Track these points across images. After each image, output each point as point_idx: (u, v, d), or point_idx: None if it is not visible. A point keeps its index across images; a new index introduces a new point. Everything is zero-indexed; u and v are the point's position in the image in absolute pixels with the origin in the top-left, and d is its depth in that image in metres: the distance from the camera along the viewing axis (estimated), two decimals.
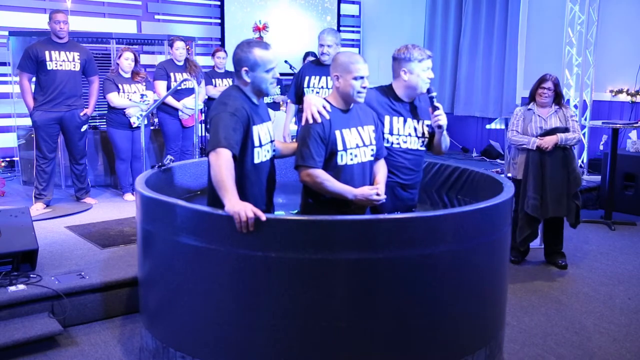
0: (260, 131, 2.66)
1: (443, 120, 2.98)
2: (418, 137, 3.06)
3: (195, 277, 2.42)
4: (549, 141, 4.21)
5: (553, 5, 7.49)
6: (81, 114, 5.32)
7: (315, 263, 2.25)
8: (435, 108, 2.98)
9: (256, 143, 2.64)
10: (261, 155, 2.68)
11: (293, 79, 5.13)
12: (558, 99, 4.37)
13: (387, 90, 3.05)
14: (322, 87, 4.61)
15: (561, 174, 4.24)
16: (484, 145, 8.43)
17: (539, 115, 4.34)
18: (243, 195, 2.44)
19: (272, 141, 2.80)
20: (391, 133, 3.00)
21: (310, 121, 2.69)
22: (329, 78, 4.53)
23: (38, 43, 5.17)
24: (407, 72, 2.95)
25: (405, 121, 3.03)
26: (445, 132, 3.07)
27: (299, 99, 4.76)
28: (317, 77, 4.64)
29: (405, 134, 3.03)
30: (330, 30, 4.64)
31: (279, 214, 3.26)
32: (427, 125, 3.08)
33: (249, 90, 2.66)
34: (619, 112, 6.98)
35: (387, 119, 2.99)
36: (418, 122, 3.05)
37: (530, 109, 4.41)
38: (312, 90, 4.62)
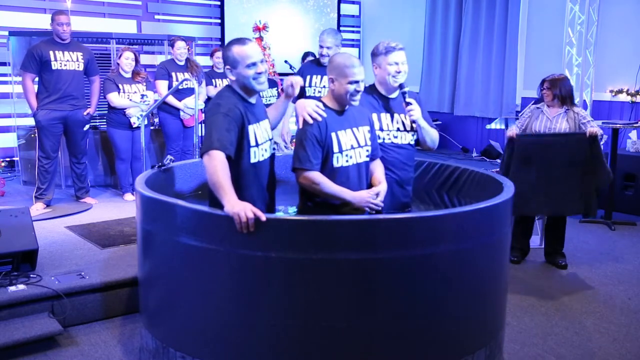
0: (256, 130, 2.65)
1: (416, 114, 2.99)
2: (407, 131, 3.08)
3: (195, 277, 2.42)
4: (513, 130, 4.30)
5: (553, 5, 7.49)
6: (84, 113, 5.33)
7: (315, 263, 2.25)
8: (407, 104, 3.00)
9: (252, 143, 2.62)
10: (258, 154, 2.67)
11: None
12: (563, 100, 4.34)
13: (371, 89, 3.08)
14: (324, 87, 4.56)
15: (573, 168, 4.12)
16: (484, 145, 8.43)
17: (546, 115, 4.35)
18: (241, 196, 2.43)
19: (270, 139, 2.79)
20: (381, 129, 3.02)
21: (310, 120, 2.69)
22: None
23: (42, 43, 5.17)
24: (377, 67, 3.00)
25: (392, 116, 3.06)
26: (426, 126, 3.06)
27: (299, 97, 4.72)
28: (319, 77, 4.59)
29: (394, 128, 3.05)
30: (330, 31, 4.59)
31: (280, 213, 3.26)
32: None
33: (240, 89, 2.64)
34: (619, 112, 6.98)
35: (374, 116, 3.01)
36: (405, 116, 3.07)
37: (539, 108, 4.43)
38: (314, 90, 4.58)
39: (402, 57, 2.98)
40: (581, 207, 4.19)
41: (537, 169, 4.15)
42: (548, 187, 4.12)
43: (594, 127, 4.17)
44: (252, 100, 2.69)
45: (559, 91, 4.31)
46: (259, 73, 2.60)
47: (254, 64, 2.58)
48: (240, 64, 2.58)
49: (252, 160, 2.64)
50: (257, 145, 2.65)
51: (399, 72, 2.97)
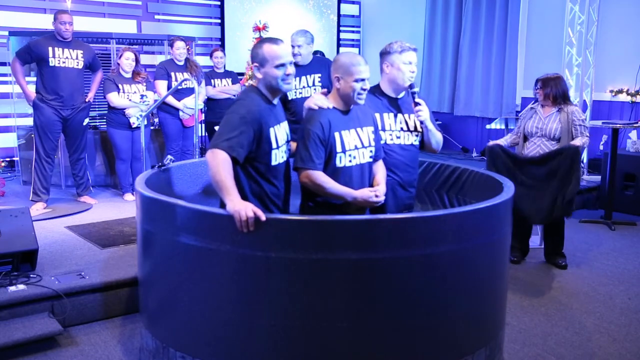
0: (277, 132, 2.64)
1: (424, 115, 3.00)
2: (411, 132, 3.08)
3: (195, 277, 2.42)
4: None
5: (553, 5, 7.50)
6: (86, 99, 5.33)
7: (315, 263, 2.25)
8: (417, 104, 3.01)
9: (273, 145, 2.61)
10: (278, 156, 2.66)
11: None
12: (554, 99, 4.31)
13: (375, 89, 3.08)
14: (304, 87, 4.51)
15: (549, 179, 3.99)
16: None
17: (539, 115, 4.35)
18: (261, 198, 2.46)
19: (288, 141, 2.78)
20: (383, 129, 3.02)
21: (316, 107, 2.73)
22: (308, 77, 4.49)
23: (42, 39, 5.15)
24: (389, 65, 3.00)
25: (395, 116, 3.06)
26: (433, 128, 3.07)
27: (282, 103, 4.65)
28: (297, 79, 4.50)
29: (397, 129, 3.06)
30: (299, 31, 4.53)
31: None
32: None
33: (264, 89, 2.64)
34: (619, 112, 6.98)
35: (377, 116, 3.01)
36: (409, 116, 3.07)
37: (533, 108, 4.43)
38: (295, 92, 4.55)
39: (415, 57, 3.02)
40: (552, 213, 3.99)
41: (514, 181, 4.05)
42: (528, 195, 3.99)
43: (576, 141, 4.12)
44: (275, 101, 2.69)
45: (550, 90, 4.29)
46: (288, 75, 2.60)
47: (283, 65, 2.58)
48: (269, 63, 2.57)
49: (273, 162, 2.63)
50: (277, 147, 2.64)
51: (413, 72, 3.00)
